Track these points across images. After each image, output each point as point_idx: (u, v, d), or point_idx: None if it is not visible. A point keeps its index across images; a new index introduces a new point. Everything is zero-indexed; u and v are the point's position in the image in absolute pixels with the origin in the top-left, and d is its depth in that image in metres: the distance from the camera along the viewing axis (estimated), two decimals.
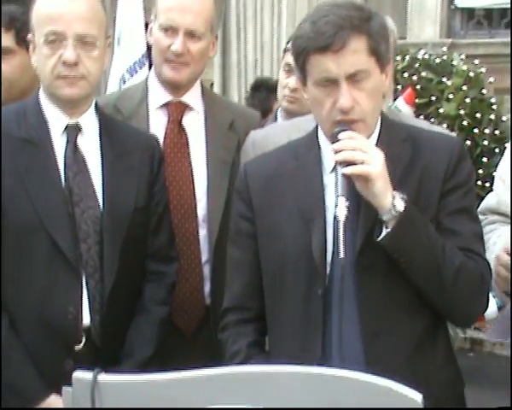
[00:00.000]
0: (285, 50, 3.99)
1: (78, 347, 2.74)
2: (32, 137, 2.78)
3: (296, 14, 10.42)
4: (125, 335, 2.87)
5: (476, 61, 7.22)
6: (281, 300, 2.46)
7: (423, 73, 7.37)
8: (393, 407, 1.56)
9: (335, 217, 2.25)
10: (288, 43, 3.97)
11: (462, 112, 6.92)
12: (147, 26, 3.53)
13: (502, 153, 7.02)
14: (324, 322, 2.38)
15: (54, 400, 2.67)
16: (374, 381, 1.60)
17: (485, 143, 6.92)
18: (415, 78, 7.33)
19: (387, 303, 2.36)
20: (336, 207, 2.24)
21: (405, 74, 7.44)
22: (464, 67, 7.14)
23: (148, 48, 4.40)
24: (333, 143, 2.32)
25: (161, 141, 3.17)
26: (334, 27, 2.29)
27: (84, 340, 2.75)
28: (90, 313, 2.76)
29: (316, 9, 2.40)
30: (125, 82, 5.51)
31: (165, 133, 3.23)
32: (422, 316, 2.40)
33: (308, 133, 2.60)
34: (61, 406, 1.95)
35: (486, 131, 6.99)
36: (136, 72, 5.53)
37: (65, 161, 2.79)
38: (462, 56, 7.31)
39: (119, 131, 2.96)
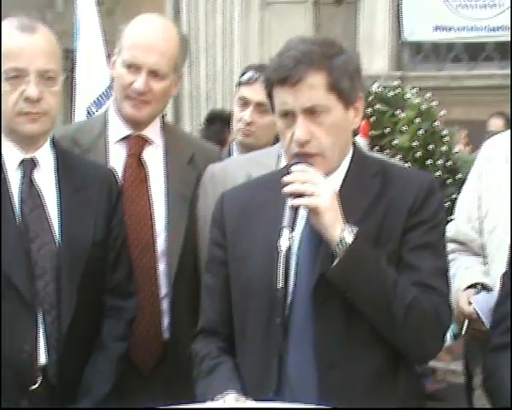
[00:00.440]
0: (238, 84, 3.99)
1: (34, 387, 2.69)
2: None
3: (248, 46, 10.48)
4: (82, 372, 2.82)
5: (428, 95, 7.32)
6: (244, 327, 2.46)
7: (377, 106, 7.45)
8: None
9: (279, 248, 2.25)
10: (241, 76, 3.98)
11: (414, 144, 6.99)
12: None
13: (454, 184, 7.13)
14: (282, 351, 2.37)
15: None
16: None
17: (438, 174, 6.99)
18: (369, 110, 7.40)
19: (344, 335, 2.36)
20: (280, 238, 2.25)
21: None
22: (416, 101, 7.23)
23: None
24: (285, 175, 2.34)
25: (120, 175, 3.15)
26: (293, 61, 2.33)
27: (40, 379, 2.70)
28: (47, 351, 2.71)
29: (287, 43, 2.43)
30: (92, 114, 5.46)
31: (125, 167, 3.20)
32: (382, 349, 2.38)
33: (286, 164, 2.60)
34: None
35: (439, 162, 7.07)
36: (102, 104, 5.48)
37: (20, 197, 2.75)
38: (415, 90, 7.40)
39: (75, 164, 2.92)
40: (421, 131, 7.01)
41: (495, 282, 2.92)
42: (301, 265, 2.40)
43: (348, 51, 2.43)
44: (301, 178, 2.30)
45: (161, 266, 3.19)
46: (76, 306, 2.75)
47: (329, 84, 2.35)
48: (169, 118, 10.07)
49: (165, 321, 3.20)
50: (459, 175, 7.11)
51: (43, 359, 2.71)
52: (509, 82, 9.97)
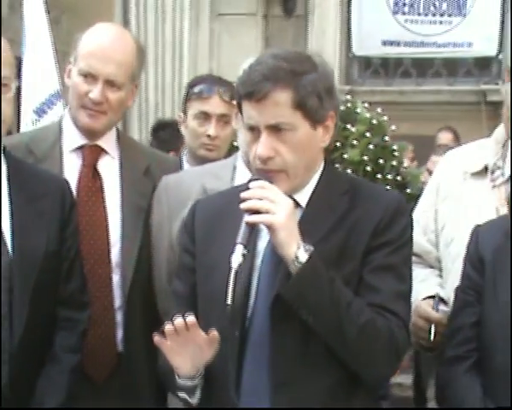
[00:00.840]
0: (188, 98, 3.96)
1: None
2: None
3: (197, 57, 10.46)
4: (34, 384, 2.77)
5: (379, 110, 7.37)
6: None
7: None
8: None
9: (231, 264, 2.23)
10: (190, 89, 3.95)
11: (365, 158, 7.02)
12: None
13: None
14: (239, 364, 2.36)
15: None
16: None
17: (388, 188, 7.04)
18: None
19: (300, 353, 2.34)
20: (232, 254, 2.23)
21: None
22: (367, 115, 7.27)
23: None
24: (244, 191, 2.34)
25: (75, 185, 3.12)
26: (259, 76, 2.31)
27: None
28: None
29: (259, 56, 2.42)
30: (33, 124, 5.39)
31: (79, 177, 3.17)
32: (337, 370, 2.36)
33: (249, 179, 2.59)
34: None
35: (389, 176, 7.11)
36: (45, 112, 5.42)
37: None
38: (366, 104, 7.44)
39: (28, 174, 2.87)
40: (371, 146, 7.05)
41: (450, 295, 2.95)
42: (263, 279, 2.39)
43: (322, 68, 2.39)
44: (258, 194, 2.28)
45: (116, 278, 3.17)
46: (28, 317, 2.70)
47: (295, 102, 2.32)
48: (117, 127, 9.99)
49: (120, 333, 3.18)
50: (408, 190, 7.16)
51: None
52: (456, 99, 10.24)
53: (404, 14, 10.41)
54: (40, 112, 5.46)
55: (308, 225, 2.34)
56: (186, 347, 2.28)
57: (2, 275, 2.67)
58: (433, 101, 10.18)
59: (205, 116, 3.83)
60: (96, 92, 3.09)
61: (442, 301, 2.96)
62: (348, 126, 7.27)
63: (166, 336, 2.26)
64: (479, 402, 2.48)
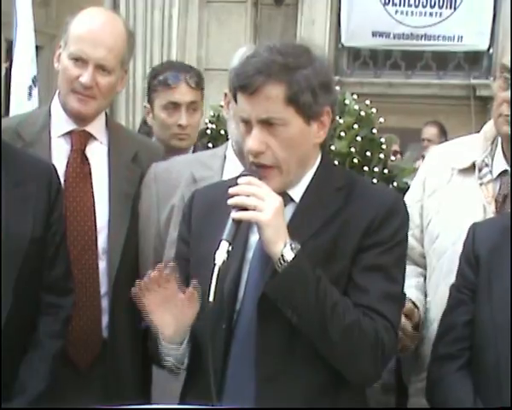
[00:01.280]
0: (152, 90, 3.93)
1: None
2: None
3: (186, 44, 10.43)
4: (17, 370, 2.76)
5: (367, 102, 7.36)
6: (196, 329, 2.40)
7: None
8: None
9: (215, 260, 2.21)
10: (152, 80, 3.93)
11: (352, 150, 7.01)
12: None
13: None
14: (224, 358, 2.36)
15: None
16: None
17: (375, 181, 7.04)
18: None
19: (286, 350, 2.34)
20: (217, 250, 2.21)
21: None
22: (356, 107, 7.26)
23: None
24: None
25: (63, 170, 3.11)
26: (252, 70, 2.29)
27: None
28: None
29: (256, 48, 2.41)
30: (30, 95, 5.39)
31: (68, 162, 3.15)
32: (323, 367, 2.34)
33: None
34: None
35: (376, 169, 7.10)
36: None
37: None
38: (354, 96, 7.43)
39: (15, 158, 2.85)
40: (359, 138, 7.05)
41: (434, 291, 2.95)
42: (252, 274, 2.38)
43: (319, 63, 2.36)
44: (246, 190, 2.27)
45: (102, 264, 3.15)
46: (13, 302, 2.68)
47: (287, 98, 2.30)
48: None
49: (105, 319, 3.17)
50: (395, 183, 7.16)
51: None
52: (445, 92, 10.24)
53: (394, 5, 10.38)
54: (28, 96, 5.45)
55: (300, 221, 2.34)
56: (167, 306, 2.29)
57: None
58: (422, 94, 10.18)
59: (174, 106, 3.83)
60: (86, 76, 3.08)
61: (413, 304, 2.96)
62: (336, 118, 7.29)
63: (144, 288, 2.26)
64: (469, 402, 2.47)
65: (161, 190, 3.12)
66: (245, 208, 2.25)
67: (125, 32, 3.21)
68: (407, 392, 3.18)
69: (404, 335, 2.85)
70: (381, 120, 7.25)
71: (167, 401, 2.53)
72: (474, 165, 2.97)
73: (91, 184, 3.16)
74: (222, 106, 3.38)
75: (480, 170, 2.95)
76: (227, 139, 3.15)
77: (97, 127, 3.24)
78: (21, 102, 5.41)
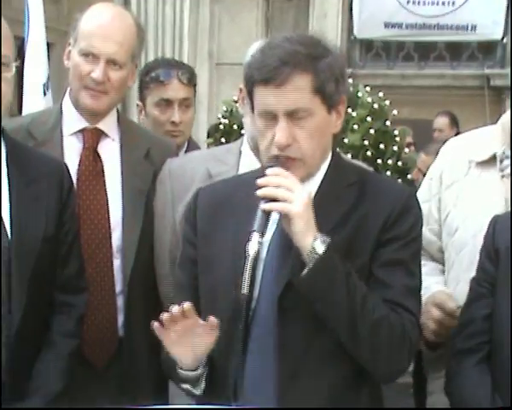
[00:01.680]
0: (146, 86, 3.92)
1: None
2: None
3: (198, 39, 10.41)
4: (32, 369, 2.75)
5: (381, 94, 7.34)
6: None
7: None
8: None
9: (247, 252, 2.18)
10: (145, 76, 3.91)
11: (366, 142, 7.00)
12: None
13: (404, 184, 7.15)
14: (243, 357, 2.33)
15: None
16: None
17: (388, 173, 7.02)
18: None
19: (307, 346, 2.32)
20: (248, 242, 2.18)
21: None
22: (369, 99, 7.24)
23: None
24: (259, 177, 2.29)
25: (75, 168, 3.10)
26: (277, 61, 2.25)
27: None
28: None
29: (269, 40, 2.37)
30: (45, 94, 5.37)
31: (80, 160, 3.15)
32: (345, 363, 2.33)
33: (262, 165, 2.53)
34: None
35: (389, 162, 7.08)
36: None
37: None
38: (367, 88, 7.41)
39: (26, 157, 2.84)
40: (372, 130, 7.03)
41: (454, 286, 2.91)
42: (268, 271, 2.35)
43: (334, 52, 2.35)
44: (275, 181, 2.23)
45: (117, 262, 3.14)
46: (27, 302, 2.67)
47: (315, 88, 2.28)
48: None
49: (120, 318, 3.16)
50: (409, 176, 7.15)
51: None
52: (459, 83, 10.19)
53: None
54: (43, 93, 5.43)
55: (316, 216, 2.30)
56: (186, 337, 2.25)
57: (1, 259, 2.63)
58: (435, 85, 10.16)
59: (166, 103, 3.82)
60: (97, 72, 3.07)
61: None
62: (349, 110, 7.24)
63: (165, 325, 2.22)
64: (487, 397, 2.44)
65: (176, 187, 3.10)
66: (274, 200, 2.22)
67: (134, 26, 3.21)
68: (425, 390, 3.14)
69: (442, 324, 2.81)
70: (395, 112, 7.24)
71: (184, 401, 2.51)
72: (493, 157, 2.92)
73: (104, 181, 3.15)
74: (235, 101, 3.36)
75: (500, 162, 2.91)
76: (240, 134, 3.13)
77: (109, 124, 3.23)
78: (36, 101, 5.39)
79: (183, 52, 10.22)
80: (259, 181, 2.25)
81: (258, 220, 2.21)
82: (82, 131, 3.19)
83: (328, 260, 2.22)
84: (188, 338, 2.25)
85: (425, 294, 2.72)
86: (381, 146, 7.06)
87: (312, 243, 2.20)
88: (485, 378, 2.47)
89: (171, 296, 2.59)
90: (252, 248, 2.17)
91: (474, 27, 10.14)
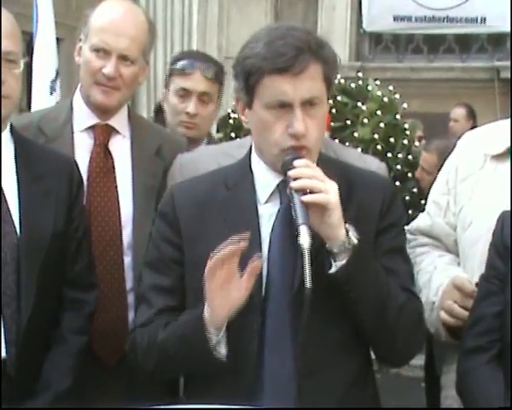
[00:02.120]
0: (170, 74, 3.89)
1: None
2: None
3: (206, 33, 10.40)
4: (42, 366, 2.75)
5: (390, 87, 7.34)
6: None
7: (339, 98, 7.44)
8: None
9: (302, 246, 2.13)
10: (174, 64, 3.89)
11: (376, 136, 7.01)
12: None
13: (414, 177, 7.15)
14: (259, 358, 2.30)
15: None
16: None
17: (399, 167, 7.01)
18: (330, 102, 7.38)
19: (323, 342, 2.30)
20: (299, 236, 2.14)
21: None
22: (379, 93, 7.24)
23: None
24: (286, 170, 2.24)
25: (86, 165, 3.09)
26: (294, 49, 2.21)
27: None
28: (6, 345, 2.63)
29: (267, 31, 2.31)
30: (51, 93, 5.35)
31: (91, 157, 3.13)
32: (355, 357, 2.36)
33: (239, 161, 2.52)
34: None
35: (399, 155, 7.09)
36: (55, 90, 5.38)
37: None
38: (377, 82, 7.40)
39: (35, 153, 2.84)
40: (382, 124, 7.03)
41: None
42: (275, 268, 2.33)
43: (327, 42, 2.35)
44: (308, 173, 2.21)
45: (127, 260, 3.13)
46: (36, 298, 2.67)
47: (325, 75, 2.28)
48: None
49: (131, 315, 3.10)
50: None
51: (2, 353, 2.62)
52: (468, 75, 10.15)
53: None
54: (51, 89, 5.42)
55: None
56: (223, 288, 2.19)
57: (9, 255, 2.64)
58: (445, 78, 10.12)
59: (185, 93, 3.77)
60: (109, 67, 3.06)
61: None
62: (359, 104, 7.25)
63: (215, 266, 2.16)
64: (499, 395, 2.41)
65: None
66: (309, 191, 2.19)
67: (146, 22, 3.20)
68: (439, 384, 3.12)
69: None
70: (405, 105, 7.23)
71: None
72: (508, 150, 2.89)
73: (115, 178, 3.14)
74: None
75: None
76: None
77: (120, 121, 3.22)
78: (44, 97, 5.38)
79: (192, 46, 10.21)
80: (292, 173, 2.21)
81: (300, 213, 2.17)
82: (93, 127, 3.18)
83: (363, 249, 2.24)
84: (225, 290, 2.19)
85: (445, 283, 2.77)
86: (391, 140, 7.07)
87: (346, 233, 2.21)
88: (498, 376, 2.44)
89: (145, 298, 2.47)
90: (305, 241, 2.12)
91: (483, 19, 10.11)
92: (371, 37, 11.23)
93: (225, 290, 2.19)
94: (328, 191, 2.19)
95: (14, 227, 2.67)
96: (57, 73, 5.48)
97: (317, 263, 2.21)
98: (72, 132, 3.16)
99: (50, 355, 2.77)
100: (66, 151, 3.04)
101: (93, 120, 3.17)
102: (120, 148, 3.19)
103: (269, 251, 2.33)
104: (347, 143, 7.02)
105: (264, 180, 2.38)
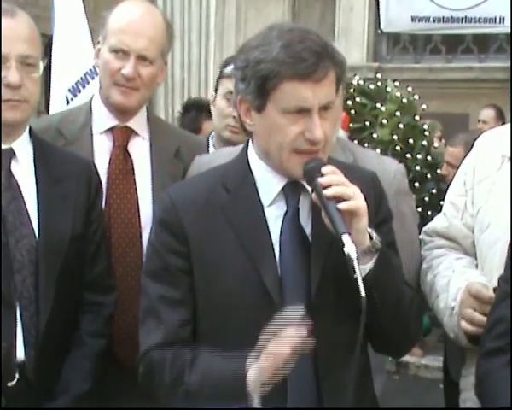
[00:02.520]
0: (221, 76, 3.88)
1: (12, 383, 2.61)
2: None
3: (224, 34, 10.42)
4: (61, 369, 2.75)
5: (410, 88, 7.32)
6: (227, 342, 2.28)
7: (358, 99, 7.44)
8: None
9: (350, 255, 2.12)
10: (223, 68, 3.87)
11: (395, 137, 7.02)
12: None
13: (433, 178, 7.13)
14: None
15: None
16: None
17: (418, 168, 7.01)
18: (349, 103, 7.40)
19: (336, 342, 2.31)
20: (344, 246, 2.12)
21: None
22: (398, 94, 7.23)
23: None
24: (312, 177, 2.23)
25: (105, 167, 3.10)
26: (314, 55, 2.19)
27: (17, 376, 2.62)
28: (25, 348, 2.63)
29: (279, 32, 2.25)
30: (68, 102, 5.34)
31: (110, 159, 3.14)
32: (361, 356, 2.35)
33: (235, 161, 2.48)
34: None
35: (419, 156, 7.09)
36: (80, 91, 5.37)
37: None
38: (396, 83, 7.39)
39: (54, 156, 2.84)
40: (401, 125, 7.03)
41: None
42: (288, 271, 2.31)
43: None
44: (337, 180, 2.20)
45: None
46: (54, 301, 2.67)
47: (337, 79, 2.27)
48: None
49: None
50: (438, 170, 7.11)
51: (20, 355, 2.63)
52: (487, 76, 10.10)
53: None
54: (75, 90, 5.40)
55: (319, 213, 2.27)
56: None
57: (27, 258, 2.65)
58: (463, 78, 10.08)
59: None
60: (128, 68, 3.06)
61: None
62: (378, 105, 7.25)
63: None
64: None
65: None
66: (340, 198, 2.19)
67: (163, 23, 3.20)
68: (458, 386, 3.10)
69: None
70: (424, 106, 7.22)
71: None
72: None
73: (134, 180, 3.14)
74: None
75: None
76: None
77: (139, 123, 3.22)
78: (61, 100, 5.39)
79: (210, 47, 10.24)
80: (323, 180, 2.20)
81: (338, 222, 2.16)
82: (112, 129, 3.18)
83: (386, 252, 2.28)
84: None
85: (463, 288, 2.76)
86: (410, 141, 7.06)
87: (370, 237, 2.23)
88: None
89: (154, 312, 2.40)
90: (351, 249, 2.11)
91: (502, 19, 10.05)
92: (389, 37, 11.20)
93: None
94: (357, 197, 2.19)
95: (33, 230, 2.68)
96: (92, 71, 5.43)
97: (328, 264, 2.26)
98: (92, 134, 3.16)
99: (69, 358, 2.77)
100: (85, 153, 3.05)
101: (112, 121, 3.17)
102: (140, 150, 3.19)
103: (280, 254, 2.31)
104: (366, 145, 7.03)
105: (268, 183, 2.35)
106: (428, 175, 7.18)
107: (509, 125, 3.07)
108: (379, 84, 7.56)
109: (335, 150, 2.97)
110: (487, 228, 2.89)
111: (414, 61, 11.03)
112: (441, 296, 2.83)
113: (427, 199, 7.06)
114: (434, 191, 7.08)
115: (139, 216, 3.11)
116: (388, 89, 7.27)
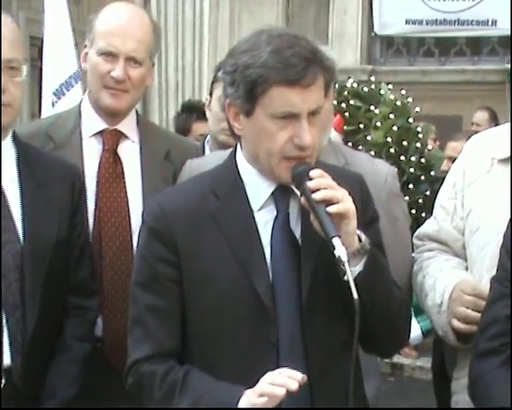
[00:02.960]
0: (216, 80, 3.87)
1: None
2: None
3: (218, 38, 10.42)
4: (46, 375, 2.74)
5: (403, 91, 7.34)
6: (219, 349, 2.30)
7: (352, 102, 7.45)
8: None
9: (341, 259, 2.13)
10: (218, 71, 3.87)
11: (389, 140, 7.03)
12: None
13: (427, 181, 7.14)
14: (275, 368, 2.23)
15: None
16: None
17: (412, 170, 7.03)
18: (343, 105, 7.42)
19: (328, 344, 2.31)
20: (334, 249, 2.13)
21: (334, 102, 7.54)
22: (391, 96, 7.24)
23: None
24: (300, 181, 2.23)
25: (95, 170, 3.09)
26: (303, 61, 2.18)
27: (3, 382, 2.60)
28: (11, 353, 2.62)
29: (268, 37, 2.24)
30: (53, 105, 5.33)
31: (100, 162, 3.12)
32: (350, 358, 2.29)
33: (223, 167, 2.46)
34: None
35: (412, 158, 7.11)
36: (64, 94, 5.36)
37: None
38: (390, 86, 7.41)
39: (38, 160, 2.82)
40: (395, 127, 7.04)
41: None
42: (279, 275, 2.30)
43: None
44: (325, 183, 2.20)
45: None
46: (41, 306, 2.66)
47: (325, 84, 2.26)
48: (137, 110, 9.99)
49: None
50: (432, 172, 7.13)
51: (7, 361, 2.61)
52: (480, 78, 10.12)
53: None
54: (59, 93, 5.39)
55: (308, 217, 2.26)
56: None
57: (12, 263, 2.63)
58: (457, 80, 10.11)
59: None
60: (118, 70, 3.04)
61: None
62: (372, 108, 7.26)
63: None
64: None
65: None
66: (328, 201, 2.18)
67: (151, 24, 3.19)
68: (449, 389, 3.09)
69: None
70: (417, 109, 7.23)
71: None
72: None
73: (124, 183, 3.13)
74: None
75: None
76: None
77: (128, 125, 3.21)
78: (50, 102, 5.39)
79: (203, 50, 10.25)
80: (311, 184, 2.20)
81: (328, 225, 2.16)
82: (101, 132, 3.16)
83: (376, 253, 2.29)
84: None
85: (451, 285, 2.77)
86: (404, 143, 7.08)
87: (359, 239, 2.23)
88: (510, 379, 2.41)
89: (141, 321, 2.37)
90: (342, 252, 2.12)
91: (494, 22, 10.10)
92: (383, 40, 11.22)
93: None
94: (345, 200, 2.19)
95: (17, 235, 2.66)
96: (76, 75, 5.43)
97: (318, 267, 2.26)
98: (81, 138, 3.15)
99: (55, 363, 2.76)
100: (75, 157, 3.04)
101: (102, 125, 3.16)
102: (129, 153, 3.18)
103: (271, 258, 2.31)
104: (360, 147, 7.04)
105: (257, 188, 2.34)
106: (422, 177, 7.21)
107: (498, 127, 3.08)
108: (373, 86, 7.58)
109: (327, 153, 2.97)
110: (477, 230, 2.89)
111: (407, 63, 11.06)
112: (429, 295, 2.84)
113: (421, 201, 7.08)
114: (428, 193, 7.09)
115: (130, 219, 3.10)
116: (382, 91, 7.28)
